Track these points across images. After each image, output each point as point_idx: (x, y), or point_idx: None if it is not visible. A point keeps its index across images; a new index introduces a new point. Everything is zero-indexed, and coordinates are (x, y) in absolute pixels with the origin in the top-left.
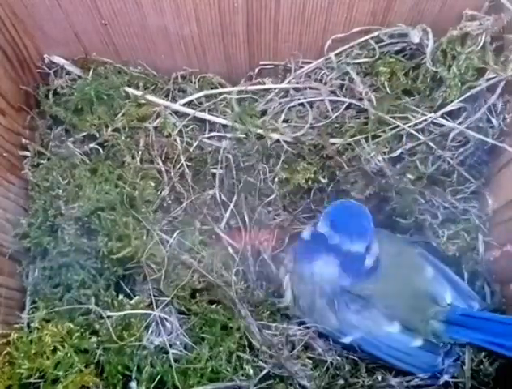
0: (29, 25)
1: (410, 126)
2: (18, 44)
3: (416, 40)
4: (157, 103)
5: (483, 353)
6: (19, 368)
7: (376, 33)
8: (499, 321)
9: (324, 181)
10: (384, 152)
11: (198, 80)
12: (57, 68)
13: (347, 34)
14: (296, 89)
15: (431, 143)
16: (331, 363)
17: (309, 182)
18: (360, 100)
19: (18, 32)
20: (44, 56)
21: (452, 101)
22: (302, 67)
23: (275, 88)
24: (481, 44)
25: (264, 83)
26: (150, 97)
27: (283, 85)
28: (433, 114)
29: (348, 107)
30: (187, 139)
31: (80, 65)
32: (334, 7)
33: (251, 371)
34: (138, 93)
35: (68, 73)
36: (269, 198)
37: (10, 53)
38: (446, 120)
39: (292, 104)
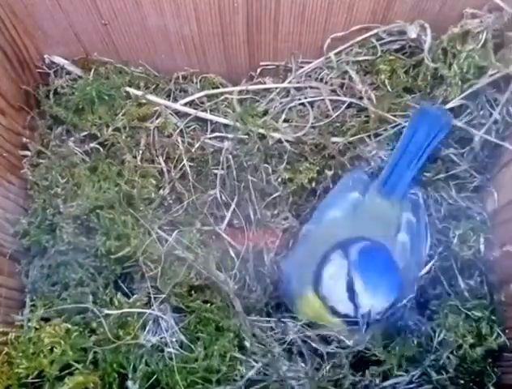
0: (29, 25)
1: None
2: (18, 44)
3: (413, 35)
4: (158, 103)
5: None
6: (18, 367)
7: (375, 31)
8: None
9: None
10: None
11: (200, 80)
12: (57, 68)
13: (346, 33)
14: (297, 89)
15: None
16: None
17: (313, 183)
18: (361, 98)
19: (18, 32)
20: (45, 56)
21: (453, 99)
22: (302, 67)
23: (276, 88)
24: (482, 41)
25: (265, 83)
26: (150, 97)
27: (284, 85)
28: None
29: (349, 106)
30: (188, 139)
31: (81, 65)
32: (334, 7)
33: (245, 371)
34: (139, 93)
35: (68, 73)
36: (271, 197)
37: (10, 53)
38: None
39: (292, 104)
